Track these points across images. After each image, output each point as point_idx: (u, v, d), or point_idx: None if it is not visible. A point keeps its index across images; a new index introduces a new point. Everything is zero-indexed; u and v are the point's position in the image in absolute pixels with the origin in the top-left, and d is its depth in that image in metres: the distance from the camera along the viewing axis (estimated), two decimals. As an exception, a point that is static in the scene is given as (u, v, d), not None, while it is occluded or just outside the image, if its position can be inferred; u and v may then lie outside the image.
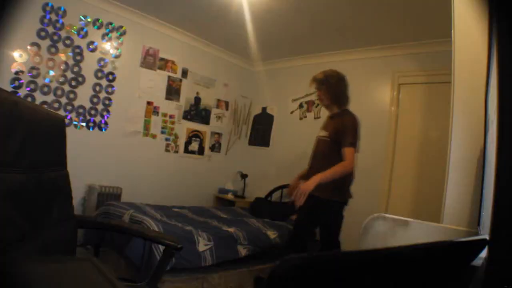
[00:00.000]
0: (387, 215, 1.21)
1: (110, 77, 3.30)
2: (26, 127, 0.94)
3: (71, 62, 3.03)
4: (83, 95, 3.13)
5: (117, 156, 3.39)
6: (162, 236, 1.46)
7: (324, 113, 3.88)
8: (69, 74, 3.03)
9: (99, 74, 3.23)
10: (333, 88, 2.32)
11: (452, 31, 1.30)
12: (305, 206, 2.04)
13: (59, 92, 2.97)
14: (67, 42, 2.99)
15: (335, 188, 2.13)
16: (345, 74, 2.41)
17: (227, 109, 4.41)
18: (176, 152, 3.90)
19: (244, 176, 4.29)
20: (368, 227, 1.21)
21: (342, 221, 2.29)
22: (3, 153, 0.86)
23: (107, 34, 3.25)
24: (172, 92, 3.81)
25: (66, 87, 3.02)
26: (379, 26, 3.01)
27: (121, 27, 3.34)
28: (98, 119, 3.25)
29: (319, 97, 2.42)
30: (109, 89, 3.30)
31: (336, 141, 2.22)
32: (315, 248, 2.84)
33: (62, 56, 2.97)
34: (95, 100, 3.21)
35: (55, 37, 2.91)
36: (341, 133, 2.20)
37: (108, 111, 3.30)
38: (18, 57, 2.72)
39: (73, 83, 3.06)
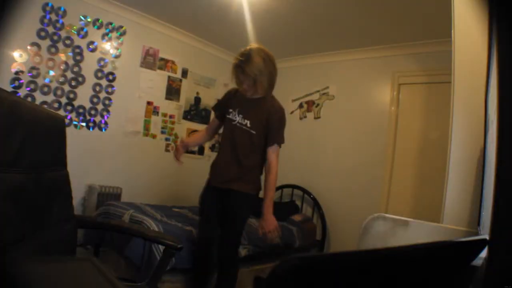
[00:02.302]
0: (387, 215, 1.21)
1: (110, 77, 3.30)
2: (26, 127, 0.93)
3: (71, 62, 3.03)
4: (83, 95, 3.13)
5: (117, 156, 3.39)
6: (162, 236, 1.46)
7: (325, 113, 3.90)
8: (69, 74, 3.03)
9: (99, 74, 3.23)
10: (267, 72, 1.86)
11: (452, 31, 1.30)
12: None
13: (59, 92, 2.97)
14: (67, 42, 2.99)
15: (250, 181, 1.98)
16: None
17: (227, 109, 4.41)
18: (176, 152, 3.89)
19: (244, 176, 4.28)
20: (368, 227, 1.21)
21: (248, 217, 2.10)
22: (3, 153, 0.86)
23: (107, 34, 3.25)
24: (172, 92, 3.80)
25: (66, 87, 3.02)
26: (379, 26, 3.01)
27: (121, 27, 3.34)
28: (98, 119, 3.25)
29: (244, 84, 1.90)
30: (109, 89, 3.30)
31: (262, 134, 1.94)
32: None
33: (62, 56, 2.97)
34: (95, 100, 3.21)
35: (55, 37, 2.91)
36: (269, 128, 1.93)
37: (108, 111, 3.30)
38: (18, 57, 2.72)
39: (73, 83, 3.06)
